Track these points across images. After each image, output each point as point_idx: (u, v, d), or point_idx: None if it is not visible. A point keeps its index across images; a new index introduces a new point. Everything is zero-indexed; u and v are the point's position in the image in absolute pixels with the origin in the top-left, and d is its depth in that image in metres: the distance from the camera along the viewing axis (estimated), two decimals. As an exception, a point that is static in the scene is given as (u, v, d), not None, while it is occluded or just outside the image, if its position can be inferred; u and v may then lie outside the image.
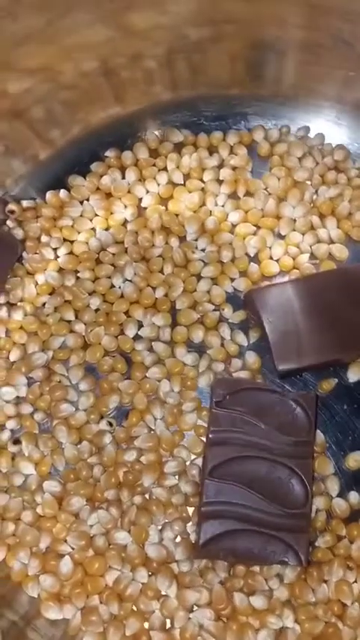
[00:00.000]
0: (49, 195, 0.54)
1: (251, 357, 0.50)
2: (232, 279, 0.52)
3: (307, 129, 0.59)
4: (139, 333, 0.50)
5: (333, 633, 0.42)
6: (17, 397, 0.48)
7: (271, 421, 0.45)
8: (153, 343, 0.50)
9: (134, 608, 0.43)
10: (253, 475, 0.44)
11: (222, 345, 0.50)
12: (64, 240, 0.53)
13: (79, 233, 0.53)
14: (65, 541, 0.44)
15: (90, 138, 0.57)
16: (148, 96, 0.58)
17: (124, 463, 0.46)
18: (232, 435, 0.44)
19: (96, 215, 0.54)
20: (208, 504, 0.43)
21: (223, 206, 0.55)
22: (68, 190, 0.55)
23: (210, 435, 0.45)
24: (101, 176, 0.55)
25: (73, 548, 0.44)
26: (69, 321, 0.50)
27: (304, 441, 0.45)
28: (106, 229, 0.54)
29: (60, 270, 0.52)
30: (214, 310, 0.51)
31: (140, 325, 0.50)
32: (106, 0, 0.50)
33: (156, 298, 0.51)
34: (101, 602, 0.43)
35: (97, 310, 0.51)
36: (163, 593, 0.43)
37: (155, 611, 0.43)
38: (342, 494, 0.46)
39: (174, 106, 0.59)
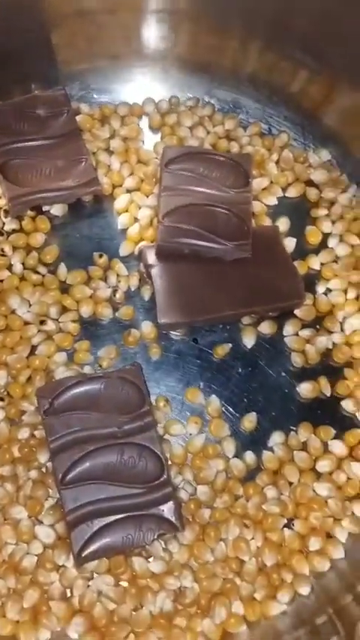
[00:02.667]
0: None
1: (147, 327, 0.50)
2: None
3: (196, 99, 0.59)
4: (28, 310, 0.50)
5: (231, 589, 0.43)
6: None
7: (105, 407, 0.45)
8: (42, 319, 0.49)
9: (33, 580, 0.43)
10: (105, 466, 0.43)
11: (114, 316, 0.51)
12: None
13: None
14: None
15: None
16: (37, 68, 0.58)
17: (18, 440, 0.46)
18: (71, 437, 0.44)
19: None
20: (72, 512, 0.42)
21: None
22: None
23: (50, 446, 0.43)
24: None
25: (-33, 527, 0.43)
26: None
27: (143, 413, 0.45)
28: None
29: None
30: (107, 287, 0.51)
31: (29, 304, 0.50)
32: None
33: (43, 275, 0.51)
34: (-1, 578, 0.43)
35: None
36: (60, 564, 0.43)
37: (55, 582, 0.43)
38: (238, 454, 0.47)
39: (64, 78, 0.58)
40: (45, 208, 0.53)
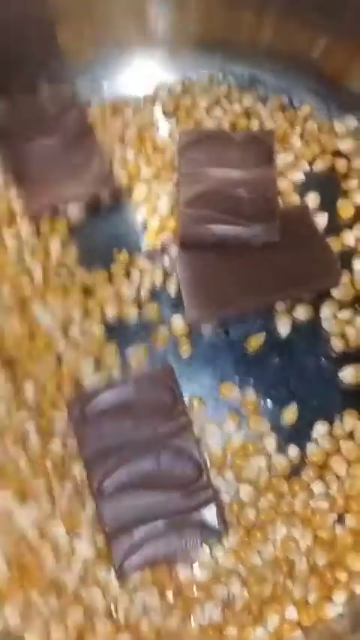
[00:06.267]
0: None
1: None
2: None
3: (210, 78, 0.56)
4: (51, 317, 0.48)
5: (282, 593, 0.41)
6: None
7: (137, 411, 0.43)
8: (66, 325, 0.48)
9: (75, 597, 0.41)
10: (141, 473, 0.42)
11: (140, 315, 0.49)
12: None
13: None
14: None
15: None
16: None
17: (51, 452, 0.44)
18: (104, 445, 0.42)
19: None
20: (110, 523, 0.41)
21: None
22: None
23: (83, 456, 0.42)
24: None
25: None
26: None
27: (177, 414, 0.43)
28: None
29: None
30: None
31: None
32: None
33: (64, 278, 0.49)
34: (40, 596, 0.41)
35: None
36: (102, 579, 0.41)
37: (98, 598, 0.41)
38: (281, 449, 0.45)
39: (72, 73, 0.56)
40: (61, 210, 0.51)
